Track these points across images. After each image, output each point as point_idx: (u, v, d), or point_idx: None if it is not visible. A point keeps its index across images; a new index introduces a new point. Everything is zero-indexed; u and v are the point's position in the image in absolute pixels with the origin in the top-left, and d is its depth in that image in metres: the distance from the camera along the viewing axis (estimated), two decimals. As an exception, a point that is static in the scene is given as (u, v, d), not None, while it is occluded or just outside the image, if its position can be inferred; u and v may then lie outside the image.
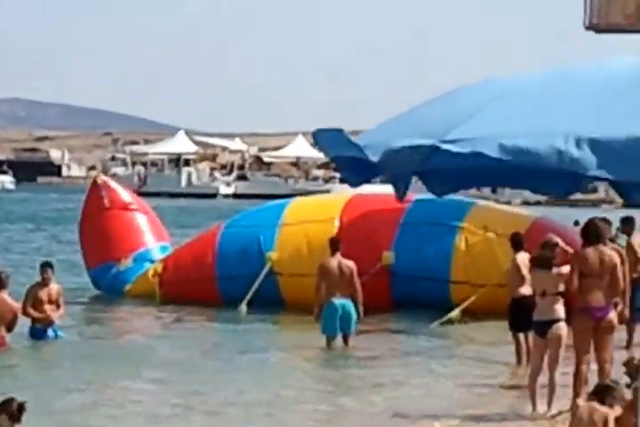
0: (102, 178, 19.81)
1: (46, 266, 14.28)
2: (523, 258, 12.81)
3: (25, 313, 13.50)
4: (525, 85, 5.18)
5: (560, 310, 10.78)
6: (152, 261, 18.07)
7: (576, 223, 18.12)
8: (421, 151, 4.78)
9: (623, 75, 5.07)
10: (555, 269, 10.77)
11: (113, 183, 19.63)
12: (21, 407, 7.40)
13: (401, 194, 5.46)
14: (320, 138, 5.51)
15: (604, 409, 8.16)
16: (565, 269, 10.78)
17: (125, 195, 19.10)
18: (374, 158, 5.01)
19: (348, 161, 5.30)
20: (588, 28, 19.66)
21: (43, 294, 13.90)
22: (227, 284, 17.42)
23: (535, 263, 11.13)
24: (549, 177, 5.10)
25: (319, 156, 57.51)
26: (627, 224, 13.82)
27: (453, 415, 10.53)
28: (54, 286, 14.10)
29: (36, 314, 13.83)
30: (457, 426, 10.15)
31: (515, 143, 4.63)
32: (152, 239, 18.61)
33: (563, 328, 10.77)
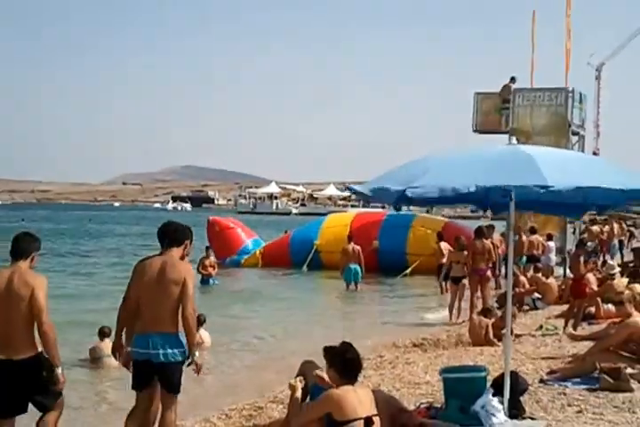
0: (211, 218, 31.10)
1: (208, 247, 24.70)
2: (444, 245, 20.60)
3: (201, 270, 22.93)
4: (448, 157, 7.02)
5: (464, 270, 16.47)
6: (247, 252, 29.13)
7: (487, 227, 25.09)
8: (397, 192, 6.58)
9: (496, 151, 6.98)
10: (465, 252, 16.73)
11: (218, 218, 31.37)
12: None
13: (395, 208, 7.76)
14: (351, 188, 7.89)
15: (485, 320, 12.65)
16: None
17: (226, 222, 30.77)
18: (371, 194, 7.13)
19: (364, 196, 7.55)
20: (474, 131, 27.05)
21: (207, 262, 23.48)
22: (296, 256, 27.91)
23: (456, 248, 17.22)
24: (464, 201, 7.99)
25: (341, 194, 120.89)
26: (490, 227, 18.85)
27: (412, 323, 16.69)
28: (213, 258, 23.89)
29: (204, 271, 23.20)
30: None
31: (448, 187, 6.34)
32: (245, 240, 29.95)
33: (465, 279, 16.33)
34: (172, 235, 6.97)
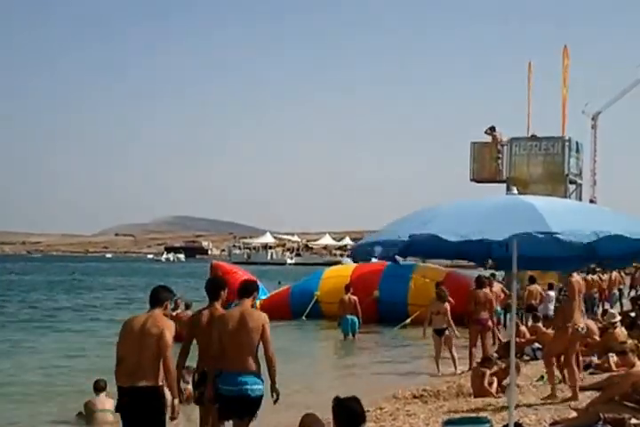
0: (214, 262, 31.55)
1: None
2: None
3: None
4: (448, 208, 7.04)
5: (447, 322, 16.59)
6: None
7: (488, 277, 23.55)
8: (399, 242, 6.71)
9: (494, 201, 7.04)
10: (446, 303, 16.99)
11: (221, 263, 31.81)
12: None
13: (393, 261, 7.57)
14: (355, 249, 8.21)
15: (483, 369, 12.84)
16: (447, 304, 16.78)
17: (229, 266, 31.08)
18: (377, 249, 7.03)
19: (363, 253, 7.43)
20: (471, 180, 27.54)
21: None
22: (296, 307, 27.80)
23: (436, 298, 17.26)
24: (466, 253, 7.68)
25: (336, 244, 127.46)
26: (491, 277, 20.37)
27: (415, 372, 16.97)
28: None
29: None
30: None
31: (451, 235, 6.32)
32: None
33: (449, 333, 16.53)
34: (243, 288, 8.52)
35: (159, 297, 8.02)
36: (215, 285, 9.05)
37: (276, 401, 8.10)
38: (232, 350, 8.06)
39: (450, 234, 6.37)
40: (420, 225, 6.66)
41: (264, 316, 8.27)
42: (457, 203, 7.29)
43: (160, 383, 7.69)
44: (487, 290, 17.06)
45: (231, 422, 8.31)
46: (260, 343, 8.12)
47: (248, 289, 8.55)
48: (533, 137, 26.60)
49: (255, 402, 8.04)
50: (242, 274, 30.04)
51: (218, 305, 8.74)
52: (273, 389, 8.06)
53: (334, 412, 6.35)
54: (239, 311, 8.22)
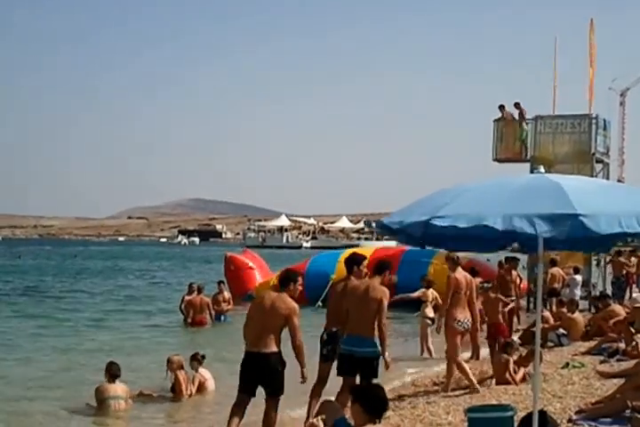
0: (228, 255, 31.35)
1: (221, 282, 24.73)
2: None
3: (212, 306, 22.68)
4: (475, 188, 6.81)
5: None
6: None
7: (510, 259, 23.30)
8: (421, 223, 6.42)
9: (520, 182, 6.77)
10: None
11: (235, 255, 31.38)
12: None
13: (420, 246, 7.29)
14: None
15: (506, 356, 12.48)
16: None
17: (243, 260, 30.81)
18: (395, 226, 6.80)
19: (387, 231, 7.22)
20: (494, 160, 27.00)
21: (220, 297, 23.56)
22: (310, 291, 26.58)
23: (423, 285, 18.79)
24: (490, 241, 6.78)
25: (352, 226, 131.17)
26: (514, 260, 19.67)
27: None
28: (227, 293, 23.95)
29: (217, 307, 22.99)
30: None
31: (478, 218, 6.08)
32: (260, 279, 30.03)
33: None
34: (377, 266, 10.16)
35: (287, 279, 9.31)
36: (350, 261, 10.43)
37: (387, 367, 9.95)
38: (355, 317, 9.61)
39: (475, 216, 6.19)
40: (439, 206, 6.50)
41: (385, 291, 9.77)
42: (478, 183, 7.11)
43: (278, 350, 9.06)
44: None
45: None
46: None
47: (381, 267, 10.12)
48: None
49: (365, 362, 9.56)
50: (254, 266, 30.47)
51: (352, 278, 10.14)
52: (383, 353, 9.74)
53: (359, 399, 6.22)
54: (366, 284, 9.81)
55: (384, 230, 7.21)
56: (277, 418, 9.42)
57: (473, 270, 20.34)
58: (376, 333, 9.61)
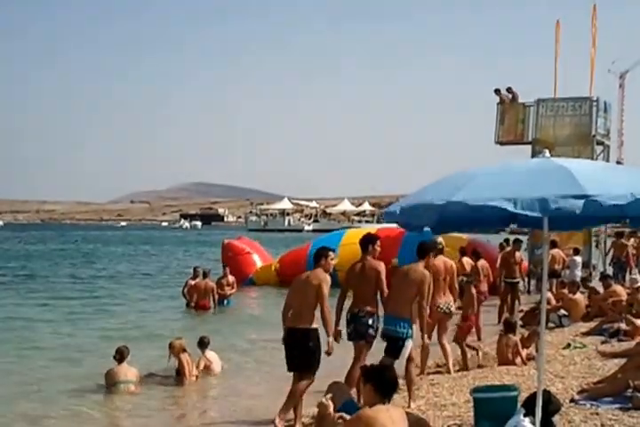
0: (226, 241, 31.30)
1: (225, 266, 24.78)
2: (465, 260, 19.82)
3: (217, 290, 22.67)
4: (484, 172, 6.86)
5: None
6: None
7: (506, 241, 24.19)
8: (438, 208, 6.49)
9: (528, 166, 6.88)
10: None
11: (232, 241, 31.33)
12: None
13: (418, 230, 7.31)
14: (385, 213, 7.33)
15: (514, 338, 12.62)
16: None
17: (240, 246, 30.91)
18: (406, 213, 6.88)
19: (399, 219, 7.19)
20: (496, 143, 27.10)
21: (224, 281, 23.60)
22: None
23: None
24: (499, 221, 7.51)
25: (354, 209, 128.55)
26: (517, 242, 20.53)
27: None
28: (231, 277, 23.84)
29: (221, 291, 22.97)
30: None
31: (493, 201, 6.17)
32: (259, 262, 30.40)
33: None
34: (420, 249, 10.72)
35: (319, 255, 9.82)
36: (365, 240, 10.60)
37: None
38: (393, 298, 10.00)
39: (487, 199, 6.27)
40: (452, 191, 6.57)
41: (426, 274, 10.14)
42: (484, 167, 7.18)
43: (315, 326, 9.45)
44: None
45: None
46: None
47: (424, 250, 10.71)
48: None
49: (395, 341, 9.89)
50: (254, 258, 30.59)
51: (369, 257, 10.41)
52: (422, 336, 10.43)
53: (365, 377, 6.37)
54: (408, 267, 10.31)
55: (392, 218, 7.21)
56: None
57: (475, 252, 20.65)
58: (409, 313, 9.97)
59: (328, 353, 9.48)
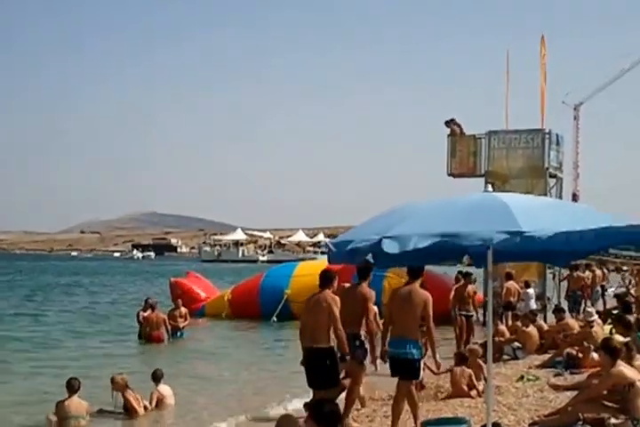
0: (173, 280, 31.20)
1: (178, 298, 25.19)
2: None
3: (169, 322, 22.59)
4: (423, 208, 7.13)
5: None
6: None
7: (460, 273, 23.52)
8: (373, 242, 6.61)
9: (473, 200, 7.11)
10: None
11: (180, 281, 31.34)
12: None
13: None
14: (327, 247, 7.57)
15: (468, 370, 12.86)
16: None
17: (188, 284, 31.00)
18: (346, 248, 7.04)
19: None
20: (449, 175, 27.13)
21: (177, 313, 23.60)
22: (265, 306, 27.89)
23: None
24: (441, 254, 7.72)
25: (309, 240, 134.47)
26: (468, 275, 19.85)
27: None
28: (184, 309, 23.90)
29: (173, 323, 22.98)
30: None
31: (427, 236, 6.40)
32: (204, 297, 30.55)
33: None
34: (413, 271, 10.27)
35: (327, 278, 10.28)
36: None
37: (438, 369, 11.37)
38: (398, 320, 10.08)
39: (425, 234, 6.44)
40: (388, 228, 6.70)
41: (427, 295, 10.04)
42: (429, 203, 7.37)
43: (331, 344, 10.02)
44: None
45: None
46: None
47: (416, 273, 10.33)
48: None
49: (405, 364, 10.03)
50: (201, 291, 30.91)
51: (364, 284, 11.01)
52: (434, 356, 10.51)
53: (313, 413, 6.41)
54: (409, 289, 10.16)
55: (335, 261, 7.55)
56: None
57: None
58: (417, 334, 10.13)
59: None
